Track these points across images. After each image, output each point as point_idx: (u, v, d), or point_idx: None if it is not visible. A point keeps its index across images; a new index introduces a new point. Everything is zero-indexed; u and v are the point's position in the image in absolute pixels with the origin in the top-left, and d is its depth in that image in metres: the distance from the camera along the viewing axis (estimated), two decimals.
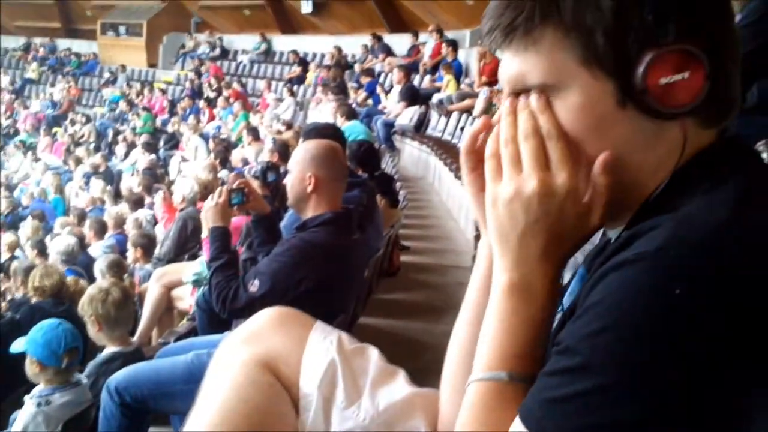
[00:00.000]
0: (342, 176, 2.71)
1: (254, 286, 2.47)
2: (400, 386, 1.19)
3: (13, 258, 7.02)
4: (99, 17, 21.22)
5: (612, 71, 0.75)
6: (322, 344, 1.21)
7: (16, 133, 17.60)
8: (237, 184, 2.80)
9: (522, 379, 0.78)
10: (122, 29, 20.57)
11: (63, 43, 22.51)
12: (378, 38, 13.98)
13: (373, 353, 1.25)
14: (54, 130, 16.73)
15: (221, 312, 2.55)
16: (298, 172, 2.59)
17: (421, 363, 2.90)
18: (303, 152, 2.66)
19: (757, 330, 0.64)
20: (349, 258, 2.66)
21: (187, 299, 4.36)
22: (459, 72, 10.73)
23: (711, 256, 0.66)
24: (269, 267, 2.50)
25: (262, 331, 1.24)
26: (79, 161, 12.69)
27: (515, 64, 0.81)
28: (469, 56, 11.13)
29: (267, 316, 1.28)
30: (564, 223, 0.78)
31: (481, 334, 0.84)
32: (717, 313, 0.64)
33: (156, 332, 4.49)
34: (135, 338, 4.05)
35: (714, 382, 0.64)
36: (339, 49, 14.74)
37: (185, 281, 4.34)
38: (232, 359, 1.19)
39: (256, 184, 3.77)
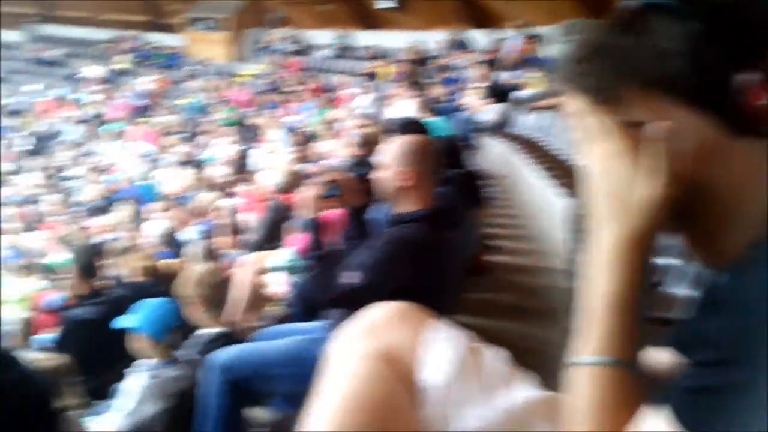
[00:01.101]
0: (435, 172, 2.71)
1: (351, 277, 2.47)
2: (524, 389, 1.17)
3: (108, 240, 7.29)
4: (184, 12, 21.85)
5: (708, 106, 0.79)
6: (445, 341, 1.19)
7: (107, 121, 18.26)
8: (331, 177, 2.83)
9: (626, 364, 0.83)
10: (207, 24, 21.13)
11: (150, 37, 23.23)
12: (458, 34, 13.91)
13: (499, 354, 1.23)
14: (144, 119, 17.25)
15: (319, 302, 2.60)
16: (393, 167, 2.60)
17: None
18: (398, 148, 2.65)
19: None
20: (443, 255, 2.64)
21: (274, 286, 4.47)
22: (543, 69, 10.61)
23: None
24: (366, 260, 2.50)
25: (382, 324, 1.23)
26: (169, 149, 13.01)
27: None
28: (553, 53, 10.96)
29: (386, 309, 1.26)
30: (622, 182, 0.85)
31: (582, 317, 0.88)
32: None
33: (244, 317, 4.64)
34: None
35: None
36: (418, 45, 14.73)
37: (274, 268, 4.45)
38: (352, 352, 1.18)
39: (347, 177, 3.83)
